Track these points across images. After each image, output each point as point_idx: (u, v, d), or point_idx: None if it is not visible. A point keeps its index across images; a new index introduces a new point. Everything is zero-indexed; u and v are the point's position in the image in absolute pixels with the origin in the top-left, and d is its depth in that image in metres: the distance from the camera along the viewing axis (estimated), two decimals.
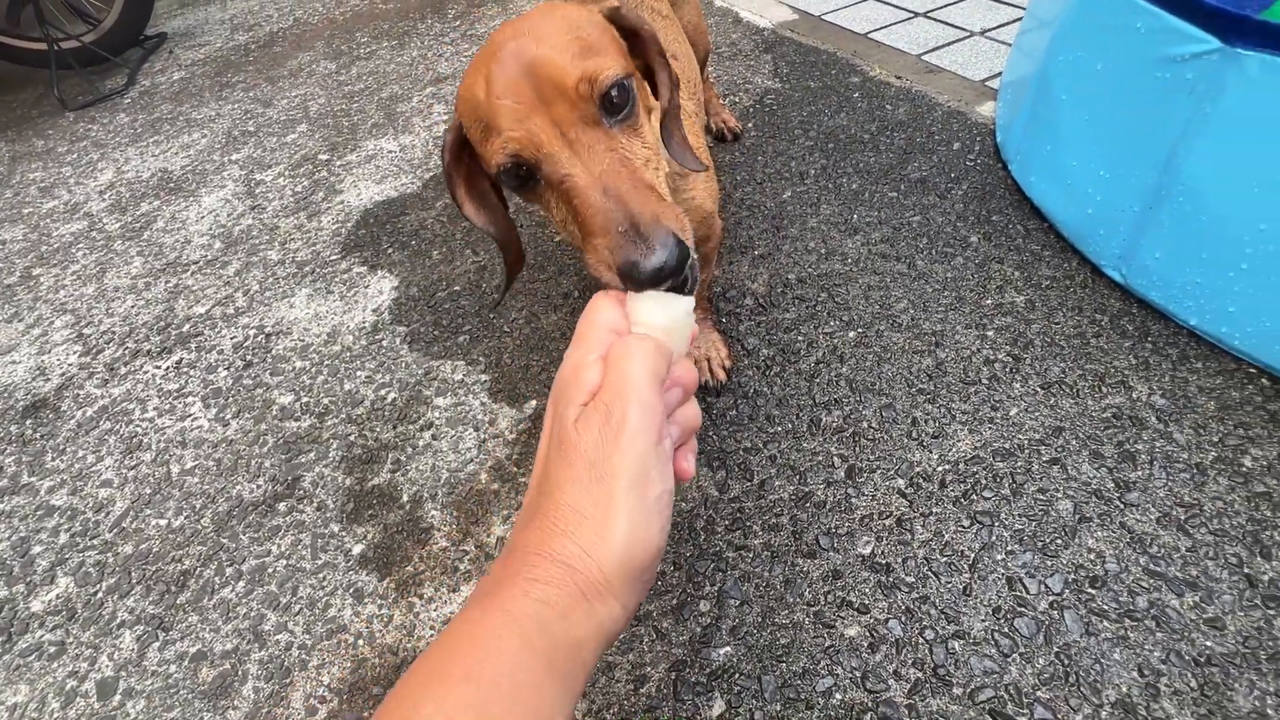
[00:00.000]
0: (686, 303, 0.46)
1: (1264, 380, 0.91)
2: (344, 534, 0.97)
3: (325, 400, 1.16)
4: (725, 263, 1.27)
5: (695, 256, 0.53)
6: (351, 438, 1.09)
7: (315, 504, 1.01)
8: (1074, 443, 0.89)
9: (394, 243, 1.50)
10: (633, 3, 0.97)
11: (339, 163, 1.83)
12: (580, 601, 0.35)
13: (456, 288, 1.35)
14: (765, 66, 1.84)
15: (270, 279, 1.47)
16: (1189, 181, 0.92)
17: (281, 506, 1.01)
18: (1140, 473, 0.85)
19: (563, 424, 0.40)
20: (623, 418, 0.38)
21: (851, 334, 1.10)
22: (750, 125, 1.63)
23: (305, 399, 1.17)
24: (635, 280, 0.49)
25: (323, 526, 0.98)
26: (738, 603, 0.81)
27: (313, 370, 1.23)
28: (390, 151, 1.83)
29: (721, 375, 1.06)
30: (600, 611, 0.36)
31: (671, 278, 0.49)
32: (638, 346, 0.40)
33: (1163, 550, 0.78)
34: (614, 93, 0.54)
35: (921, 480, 0.89)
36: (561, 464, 0.39)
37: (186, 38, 2.90)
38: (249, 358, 1.28)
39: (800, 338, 1.11)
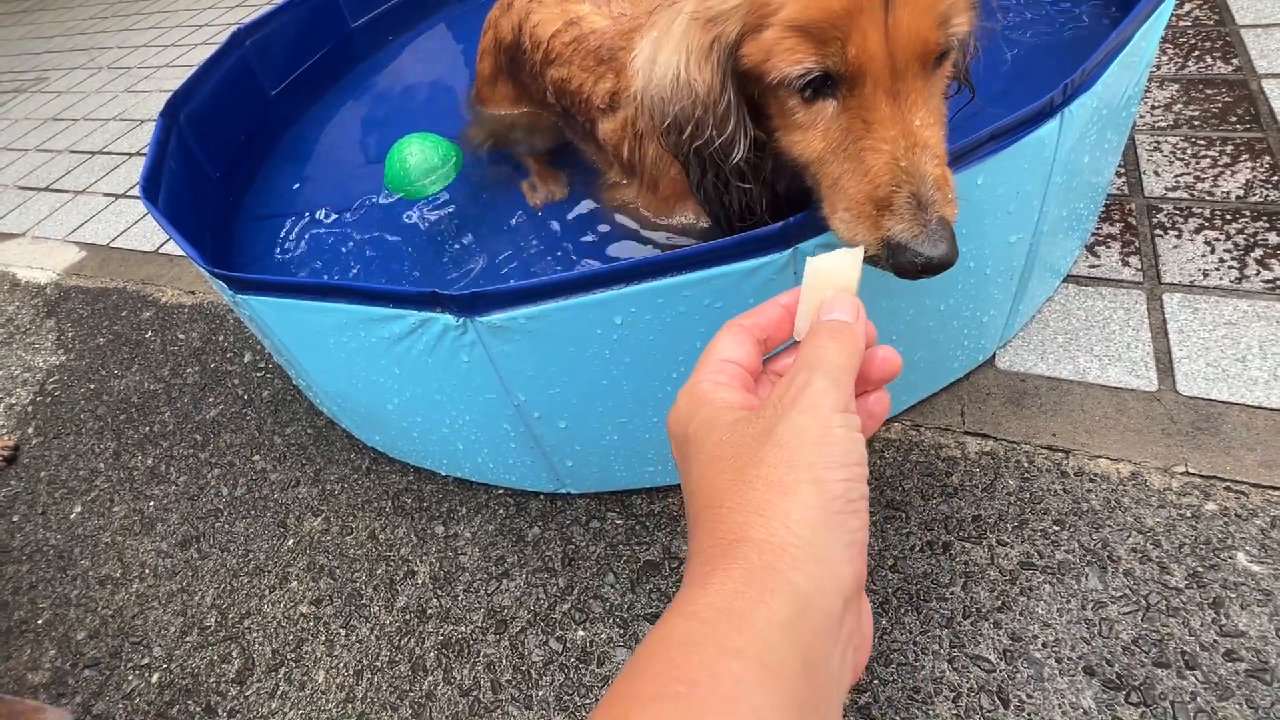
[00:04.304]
0: (859, 253, 0.41)
1: (510, 500, 0.99)
2: None
3: None
4: None
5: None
6: None
7: None
8: (380, 686, 0.85)
9: None
10: None
11: None
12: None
13: None
14: (48, 339, 1.55)
15: None
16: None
17: None
18: (431, 678, 0.83)
19: (705, 440, 0.34)
20: (805, 384, 0.33)
21: (155, 677, 0.92)
22: (31, 430, 1.34)
23: None
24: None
25: None
26: None
27: None
28: None
29: None
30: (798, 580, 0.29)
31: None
32: (838, 334, 0.36)
33: None
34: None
35: None
36: (712, 475, 0.33)
37: None
38: None
39: None
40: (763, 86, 0.57)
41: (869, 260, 0.53)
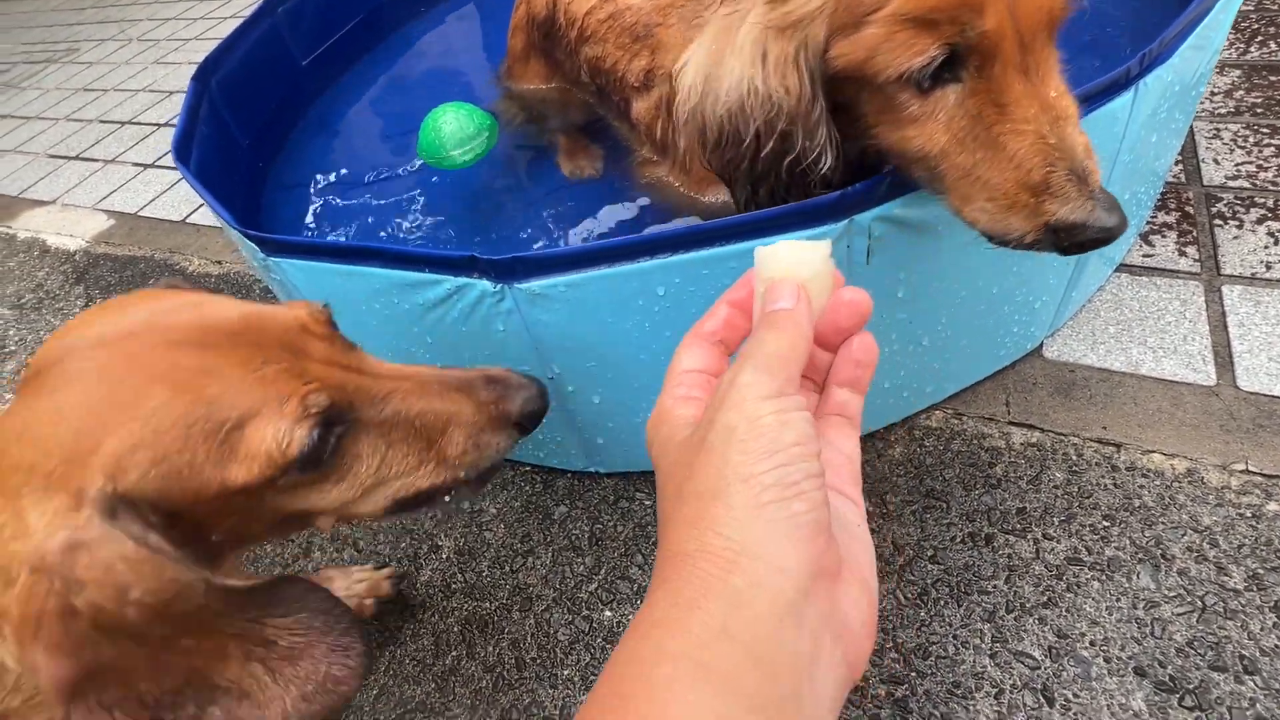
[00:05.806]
0: (825, 248, 0.37)
1: (536, 477, 0.97)
2: None
3: None
4: None
5: None
6: None
7: None
8: (402, 660, 0.84)
9: None
10: None
11: None
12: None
13: None
14: (77, 305, 1.56)
15: None
16: None
17: None
18: (455, 653, 0.82)
19: (661, 463, 0.35)
20: (731, 381, 0.32)
21: None
22: None
23: None
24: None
25: None
26: None
27: None
28: None
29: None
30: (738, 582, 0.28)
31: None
32: (775, 323, 0.34)
33: None
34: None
35: None
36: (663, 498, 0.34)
37: None
38: None
39: None
40: (859, 86, 0.54)
41: (1026, 246, 0.51)
